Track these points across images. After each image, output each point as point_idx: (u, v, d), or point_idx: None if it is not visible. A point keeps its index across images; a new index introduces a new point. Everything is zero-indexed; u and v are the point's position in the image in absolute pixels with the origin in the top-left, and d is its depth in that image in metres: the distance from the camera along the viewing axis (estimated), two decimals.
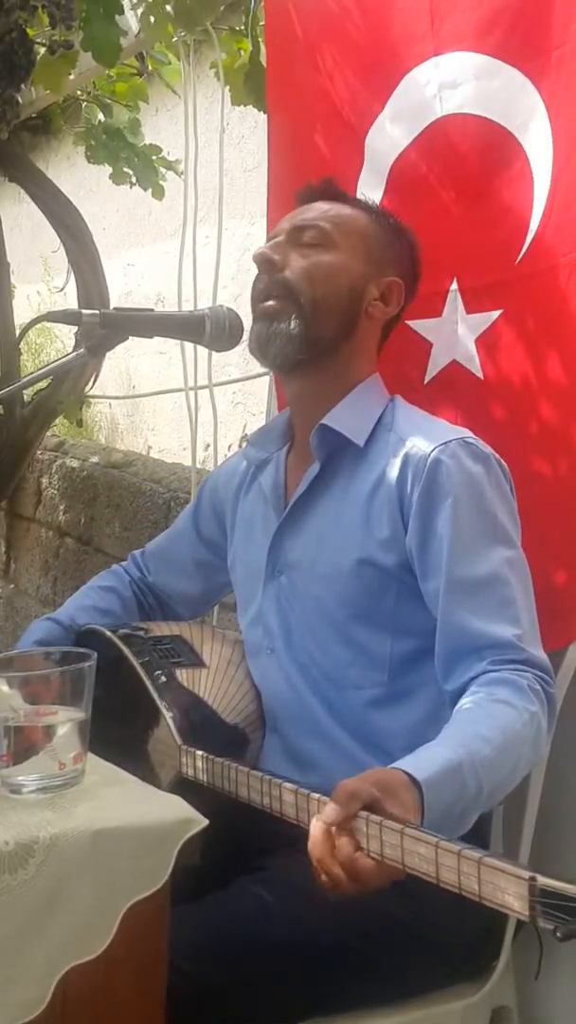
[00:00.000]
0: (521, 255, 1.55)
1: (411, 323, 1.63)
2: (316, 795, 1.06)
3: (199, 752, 1.25)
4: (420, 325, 1.65)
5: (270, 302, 1.40)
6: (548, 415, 1.51)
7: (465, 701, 1.20)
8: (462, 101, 1.62)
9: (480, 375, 1.60)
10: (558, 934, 0.78)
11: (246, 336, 1.42)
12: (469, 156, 1.62)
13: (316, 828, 1.02)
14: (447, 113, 1.64)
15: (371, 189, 1.73)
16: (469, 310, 1.62)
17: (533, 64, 1.52)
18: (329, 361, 1.41)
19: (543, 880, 0.80)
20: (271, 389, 1.90)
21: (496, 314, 1.59)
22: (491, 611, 1.25)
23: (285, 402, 1.63)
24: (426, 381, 1.66)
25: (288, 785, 1.10)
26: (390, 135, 1.73)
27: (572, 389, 1.49)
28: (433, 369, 1.66)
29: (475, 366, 1.61)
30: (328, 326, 1.39)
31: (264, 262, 1.41)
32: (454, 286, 1.63)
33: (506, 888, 0.83)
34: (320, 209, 1.44)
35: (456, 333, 1.63)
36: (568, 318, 1.48)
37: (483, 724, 1.15)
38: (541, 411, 1.52)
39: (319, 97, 1.85)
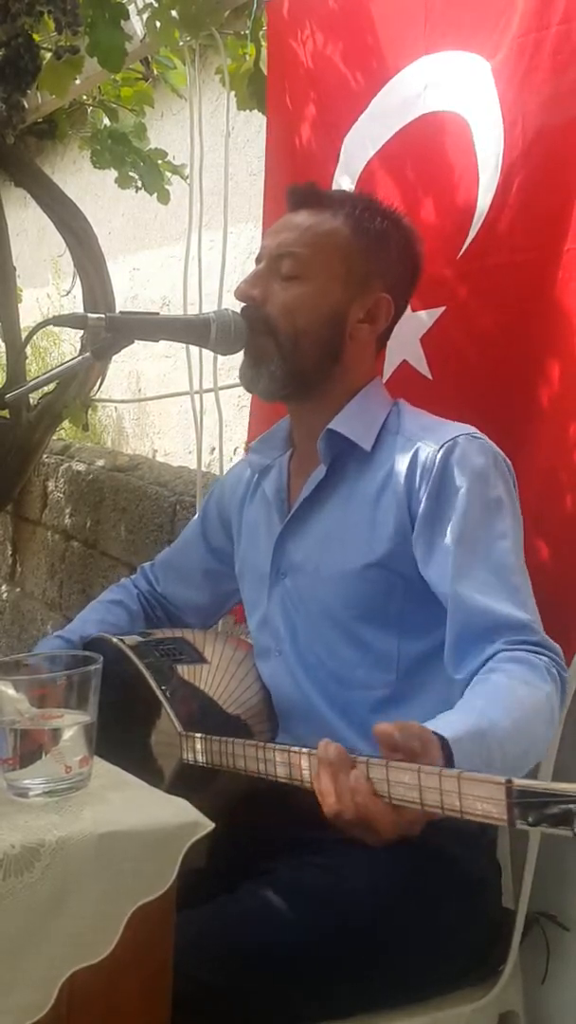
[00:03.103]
0: (463, 249, 1.54)
1: None
2: (305, 749, 1.08)
3: (197, 735, 1.26)
4: None
5: (253, 339, 1.39)
6: (495, 417, 1.50)
7: (482, 676, 1.18)
8: (441, 98, 1.61)
9: (428, 375, 1.59)
10: (529, 820, 0.83)
11: None
12: (433, 152, 1.62)
13: (335, 758, 1.03)
14: (426, 111, 1.64)
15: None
16: (415, 307, 1.60)
17: (495, 53, 1.52)
18: (318, 386, 1.42)
19: (519, 781, 0.85)
20: None
21: (439, 311, 1.58)
22: (503, 593, 1.24)
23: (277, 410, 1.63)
24: (385, 380, 1.66)
25: (279, 746, 1.12)
26: (367, 135, 1.73)
27: (524, 391, 1.48)
28: (389, 368, 1.66)
29: (423, 366, 1.60)
30: (309, 359, 1.39)
31: (245, 299, 1.41)
32: None
33: (485, 796, 0.88)
34: (299, 227, 1.40)
35: (405, 332, 1.61)
36: (525, 317, 1.47)
37: (501, 698, 1.14)
38: (488, 413, 1.51)
39: (314, 100, 1.86)
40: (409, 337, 1.61)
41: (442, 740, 1.03)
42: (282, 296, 1.39)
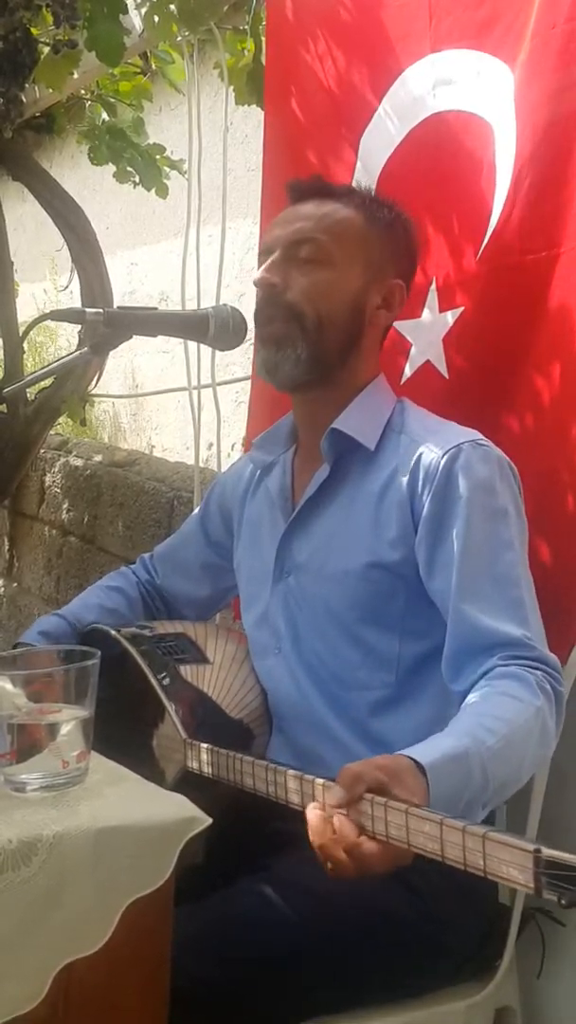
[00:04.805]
0: (481, 250, 1.55)
1: (395, 323, 1.63)
2: (320, 780, 1.05)
3: (203, 745, 1.26)
4: (402, 325, 1.65)
5: (275, 325, 1.39)
6: (509, 417, 1.50)
7: (472, 696, 1.19)
8: (456, 98, 1.61)
9: (445, 374, 1.60)
10: (563, 901, 0.79)
11: (250, 335, 1.42)
12: (455, 152, 1.62)
13: (315, 815, 1.02)
14: (439, 110, 1.64)
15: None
16: (441, 308, 1.62)
17: (515, 56, 1.52)
18: (335, 374, 1.41)
19: (547, 852, 0.81)
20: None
21: (459, 311, 1.58)
22: (501, 611, 1.24)
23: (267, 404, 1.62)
24: (402, 382, 1.66)
25: (292, 772, 1.10)
26: (384, 133, 1.73)
27: (533, 391, 1.48)
28: (410, 370, 1.66)
29: (442, 365, 1.61)
30: (334, 344, 1.39)
31: (266, 286, 1.40)
32: (433, 286, 1.63)
33: (511, 861, 0.84)
34: (313, 216, 1.40)
35: (431, 333, 1.63)
36: (536, 318, 1.47)
37: (488, 716, 1.14)
38: (502, 413, 1.51)
39: (316, 95, 1.86)
40: (434, 338, 1.62)
41: (419, 765, 1.03)
42: (303, 281, 1.38)
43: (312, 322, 1.37)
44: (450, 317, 1.60)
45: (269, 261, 1.41)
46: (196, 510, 1.71)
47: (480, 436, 1.34)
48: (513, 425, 1.51)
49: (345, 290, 1.39)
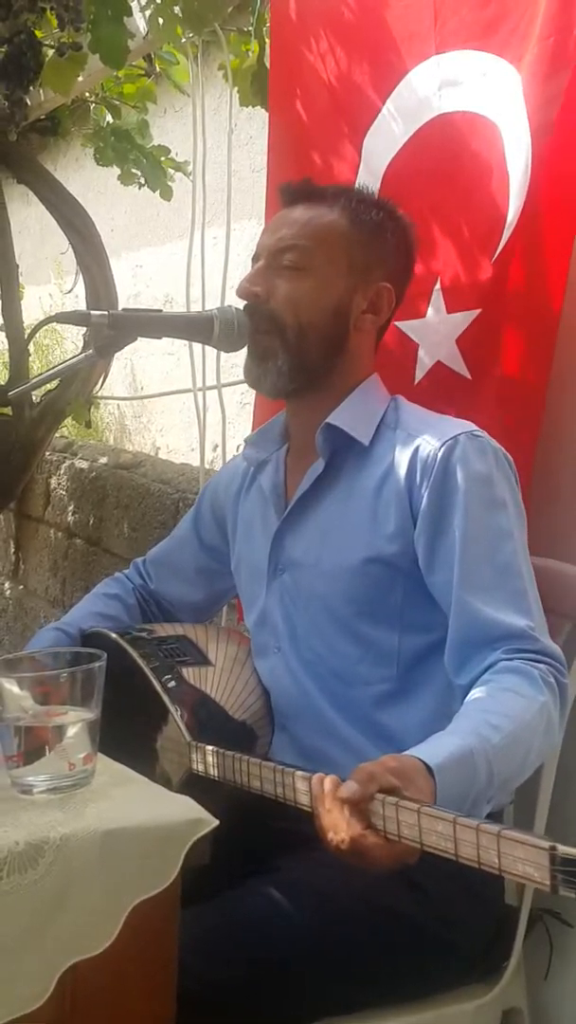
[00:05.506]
0: (497, 253, 1.54)
1: (398, 323, 1.62)
2: (328, 778, 1.05)
3: (209, 747, 1.26)
4: (406, 326, 1.64)
5: (258, 337, 1.39)
6: (532, 414, 1.51)
7: (475, 691, 1.19)
8: (463, 99, 1.61)
9: (468, 375, 1.60)
10: None
11: None
12: (461, 153, 1.61)
13: (331, 781, 1.03)
14: (445, 111, 1.63)
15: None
16: (450, 310, 1.61)
17: (521, 57, 1.51)
18: (322, 379, 1.41)
19: (563, 849, 0.82)
20: None
21: (475, 313, 1.58)
22: (504, 602, 1.24)
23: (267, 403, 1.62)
24: (416, 382, 1.66)
25: (300, 773, 1.10)
26: (388, 134, 1.73)
27: (559, 394, 1.49)
28: (421, 370, 1.66)
29: (460, 366, 1.60)
30: (316, 352, 1.39)
31: (247, 296, 1.40)
32: (437, 286, 1.62)
33: (526, 859, 0.84)
34: (298, 221, 1.40)
35: (439, 333, 1.62)
36: (551, 320, 1.47)
37: (492, 713, 1.14)
38: (527, 410, 1.51)
39: (319, 96, 1.86)
40: (443, 339, 1.61)
41: (428, 767, 1.04)
42: (285, 289, 1.38)
43: (293, 332, 1.38)
44: (461, 318, 1.59)
45: (252, 271, 1.42)
46: (189, 512, 1.70)
47: (475, 427, 1.34)
48: (543, 427, 1.51)
49: (327, 296, 1.38)
